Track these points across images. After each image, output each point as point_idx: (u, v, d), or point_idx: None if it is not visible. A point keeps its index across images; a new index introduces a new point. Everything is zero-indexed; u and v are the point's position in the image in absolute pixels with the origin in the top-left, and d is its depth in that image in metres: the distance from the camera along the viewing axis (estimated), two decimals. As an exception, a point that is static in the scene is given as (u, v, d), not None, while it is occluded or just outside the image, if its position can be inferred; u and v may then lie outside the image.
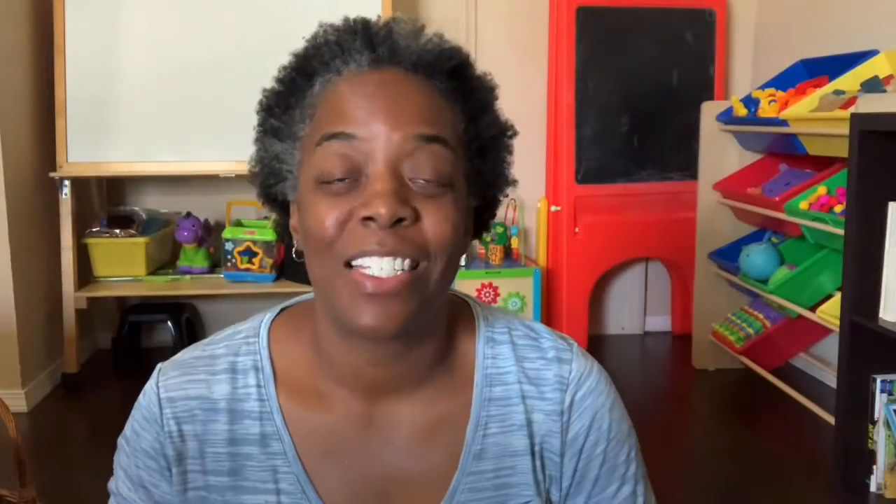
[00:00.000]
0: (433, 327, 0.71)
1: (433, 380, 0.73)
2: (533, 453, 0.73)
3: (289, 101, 0.70)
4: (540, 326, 0.78)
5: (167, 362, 0.76)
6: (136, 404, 0.76)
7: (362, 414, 0.72)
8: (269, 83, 0.73)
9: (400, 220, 0.62)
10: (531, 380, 0.74)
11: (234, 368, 0.74)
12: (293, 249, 0.72)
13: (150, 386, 0.75)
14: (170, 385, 0.74)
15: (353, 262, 0.63)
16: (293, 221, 0.72)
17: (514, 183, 0.77)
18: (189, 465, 0.73)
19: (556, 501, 0.76)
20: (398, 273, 0.62)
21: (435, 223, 0.64)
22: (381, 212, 0.61)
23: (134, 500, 0.75)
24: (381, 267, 0.62)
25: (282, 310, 0.79)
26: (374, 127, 0.64)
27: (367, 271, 0.62)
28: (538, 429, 0.73)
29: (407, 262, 0.63)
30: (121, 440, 0.78)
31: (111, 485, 0.78)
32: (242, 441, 0.72)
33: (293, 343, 0.75)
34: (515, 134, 0.76)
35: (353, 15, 0.70)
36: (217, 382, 0.73)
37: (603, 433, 0.75)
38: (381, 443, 0.72)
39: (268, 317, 0.77)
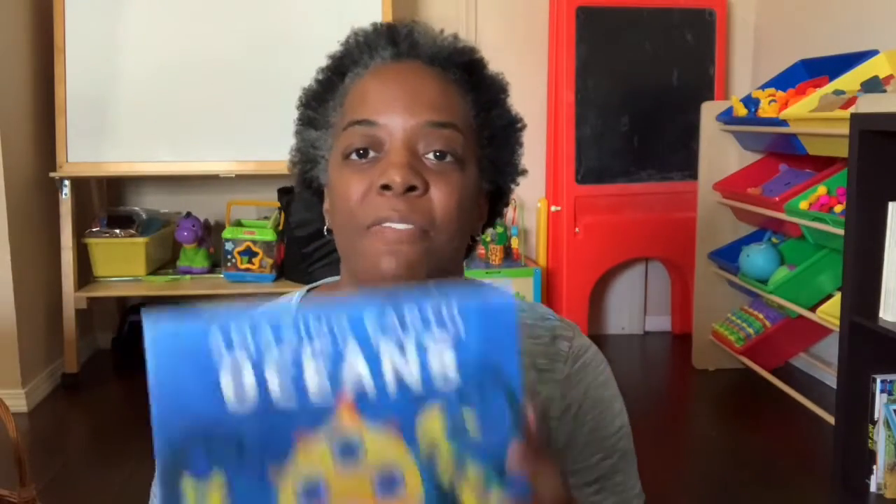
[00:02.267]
0: None
1: None
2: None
3: (324, 96, 0.79)
4: (546, 310, 0.84)
5: None
6: None
7: None
8: (308, 83, 0.82)
9: (412, 189, 0.70)
10: (533, 353, 0.79)
11: None
12: (325, 228, 0.80)
13: None
14: None
15: (373, 228, 0.71)
16: (326, 204, 0.80)
17: (524, 172, 0.85)
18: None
19: None
20: (412, 228, 0.70)
21: (443, 195, 0.71)
22: (395, 179, 0.69)
23: None
24: (397, 227, 0.70)
25: (309, 289, 0.85)
26: (393, 114, 0.72)
27: (385, 227, 0.70)
28: (538, 398, 0.78)
29: (417, 231, 0.70)
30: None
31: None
32: None
33: None
34: (525, 126, 0.84)
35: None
36: None
37: (594, 403, 0.79)
38: None
39: (298, 294, 0.84)
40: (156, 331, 0.50)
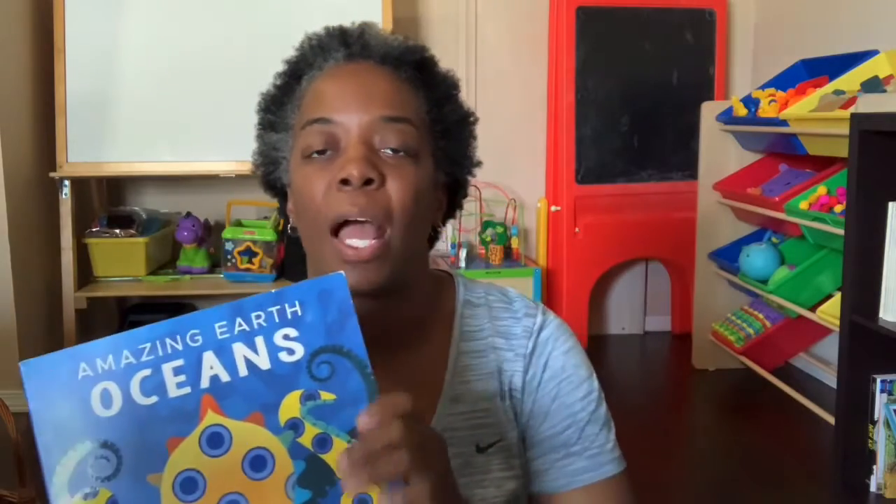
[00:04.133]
0: (409, 292, 0.80)
1: (417, 337, 0.82)
2: (502, 396, 0.82)
3: (282, 99, 0.82)
4: (514, 293, 0.88)
5: None
6: None
7: None
8: (265, 88, 0.85)
9: (370, 182, 0.72)
10: (501, 334, 0.83)
11: None
12: (289, 226, 0.84)
13: None
14: None
15: (339, 233, 0.74)
16: (289, 204, 0.84)
17: (478, 164, 0.87)
18: None
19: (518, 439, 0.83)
20: (371, 243, 0.73)
21: (399, 188, 0.74)
22: (353, 173, 0.71)
23: None
24: (359, 239, 0.73)
25: None
26: (348, 111, 0.75)
27: (348, 241, 0.74)
28: (507, 375, 0.82)
29: (374, 229, 0.73)
30: None
31: None
32: None
33: None
34: (477, 119, 0.86)
35: (353, 16, 0.81)
36: None
37: (556, 372, 0.82)
38: None
39: None
40: (28, 371, 0.59)
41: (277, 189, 0.86)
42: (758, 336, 3.10)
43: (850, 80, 2.60)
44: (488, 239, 3.56)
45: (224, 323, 0.58)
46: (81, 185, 3.32)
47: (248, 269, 3.27)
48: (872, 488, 2.12)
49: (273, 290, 0.59)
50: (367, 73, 0.78)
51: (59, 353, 0.58)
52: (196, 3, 3.17)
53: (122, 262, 3.29)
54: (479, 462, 0.80)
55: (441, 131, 0.81)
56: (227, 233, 3.28)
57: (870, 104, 2.18)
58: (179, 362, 0.57)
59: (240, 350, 0.58)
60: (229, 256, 3.27)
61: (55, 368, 0.58)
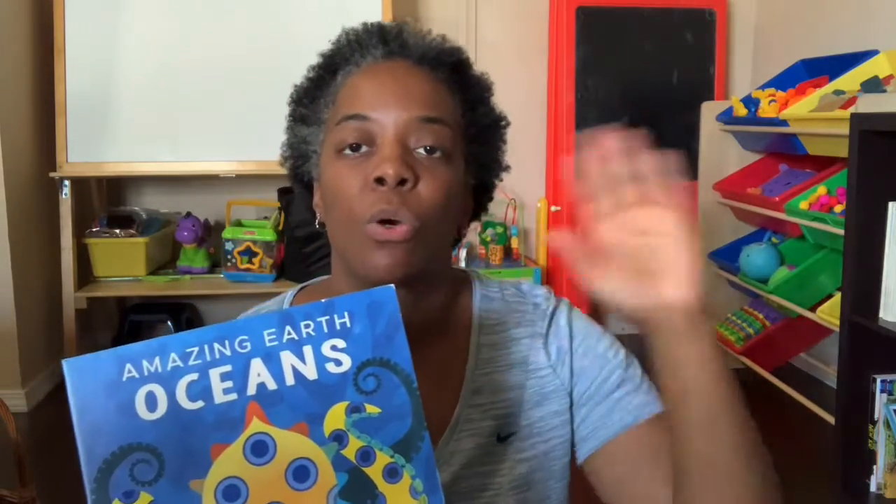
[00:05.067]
0: (435, 285, 0.82)
1: (438, 331, 0.83)
2: (525, 386, 0.83)
3: (315, 94, 0.82)
4: (526, 286, 0.90)
5: None
6: None
7: None
8: (299, 80, 0.84)
9: (404, 182, 0.72)
10: (519, 325, 0.85)
11: None
12: (316, 222, 0.83)
13: None
14: None
15: (369, 226, 0.74)
16: (316, 199, 0.83)
17: (507, 168, 0.87)
18: None
19: (566, 409, 0.84)
20: (404, 227, 0.73)
21: (432, 188, 0.74)
22: (389, 172, 0.71)
23: None
24: (391, 226, 0.73)
25: (301, 288, 0.89)
26: (385, 109, 0.75)
27: (380, 226, 0.73)
28: (530, 363, 0.84)
29: (407, 227, 0.73)
30: None
31: None
32: None
33: None
34: (508, 124, 0.86)
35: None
36: None
37: (576, 333, 0.85)
38: None
39: (290, 292, 0.88)
40: (72, 370, 0.57)
41: (304, 183, 0.86)
42: (758, 336, 3.10)
43: (850, 80, 2.60)
44: (488, 239, 3.56)
45: (273, 330, 0.58)
46: (81, 185, 3.32)
47: (248, 269, 3.27)
48: (872, 488, 2.12)
49: (323, 301, 0.59)
50: (405, 73, 0.78)
51: (103, 352, 0.57)
52: (196, 3, 3.17)
53: (122, 262, 3.29)
54: (498, 451, 0.82)
55: (473, 135, 0.81)
56: (227, 233, 3.28)
57: (870, 104, 2.18)
58: (227, 368, 0.57)
59: (287, 359, 0.58)
60: (229, 256, 3.27)
61: (99, 368, 0.56)
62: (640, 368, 0.85)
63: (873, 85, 2.42)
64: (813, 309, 2.66)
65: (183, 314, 3.47)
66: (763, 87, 3.16)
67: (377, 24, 0.82)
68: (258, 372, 0.57)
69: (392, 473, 0.58)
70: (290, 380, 0.57)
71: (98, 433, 0.56)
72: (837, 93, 2.58)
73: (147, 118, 3.15)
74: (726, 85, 3.68)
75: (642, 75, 3.54)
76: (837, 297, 2.41)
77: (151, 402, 0.56)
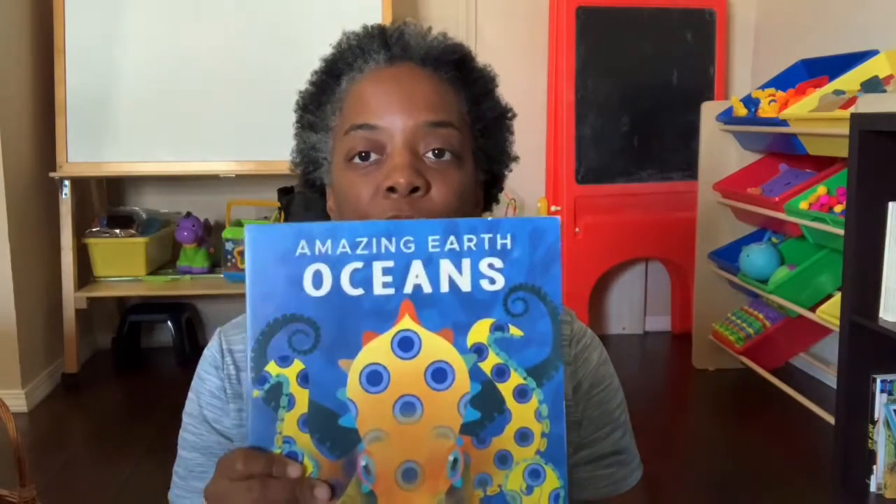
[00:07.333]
0: None
1: None
2: None
3: (321, 99, 0.82)
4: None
5: (227, 325, 0.86)
6: (201, 358, 0.86)
7: None
8: (303, 86, 0.85)
9: (416, 189, 0.73)
10: None
11: None
12: None
13: (214, 341, 0.85)
14: (231, 339, 0.84)
15: None
16: (330, 203, 0.84)
17: (516, 159, 0.88)
18: (243, 405, 0.83)
19: None
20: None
21: (443, 193, 0.75)
22: (400, 181, 0.72)
23: (200, 433, 0.84)
24: None
25: None
26: (392, 117, 0.75)
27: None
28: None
29: None
30: (190, 393, 0.86)
31: (179, 443, 0.86)
32: None
33: None
34: (515, 115, 0.87)
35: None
36: None
37: (599, 380, 0.86)
38: None
39: None
40: (253, 236, 0.60)
41: (316, 187, 0.87)
42: (758, 336, 3.10)
43: (850, 80, 2.60)
44: (488, 239, 3.55)
45: (437, 237, 0.60)
46: (81, 185, 3.33)
47: (248, 269, 3.27)
48: (872, 488, 2.12)
49: (489, 218, 0.61)
50: (409, 77, 0.78)
51: (283, 225, 0.60)
52: (196, 3, 3.17)
53: (122, 262, 3.29)
54: None
55: (481, 129, 0.82)
56: (227, 233, 3.28)
57: (870, 104, 2.17)
58: (390, 263, 0.60)
59: (446, 267, 0.60)
60: (229, 256, 3.27)
61: (277, 239, 0.60)
62: (631, 433, 0.88)
63: (873, 85, 2.42)
64: (813, 309, 2.66)
65: (183, 314, 3.47)
66: (763, 87, 3.16)
67: (378, 27, 0.82)
68: (417, 273, 0.60)
69: (522, 394, 0.61)
70: (444, 287, 0.60)
71: (266, 298, 0.60)
72: (837, 93, 2.58)
73: (147, 118, 3.15)
74: (726, 85, 3.68)
75: (642, 75, 3.54)
76: (837, 297, 2.41)
77: (318, 279, 0.60)
